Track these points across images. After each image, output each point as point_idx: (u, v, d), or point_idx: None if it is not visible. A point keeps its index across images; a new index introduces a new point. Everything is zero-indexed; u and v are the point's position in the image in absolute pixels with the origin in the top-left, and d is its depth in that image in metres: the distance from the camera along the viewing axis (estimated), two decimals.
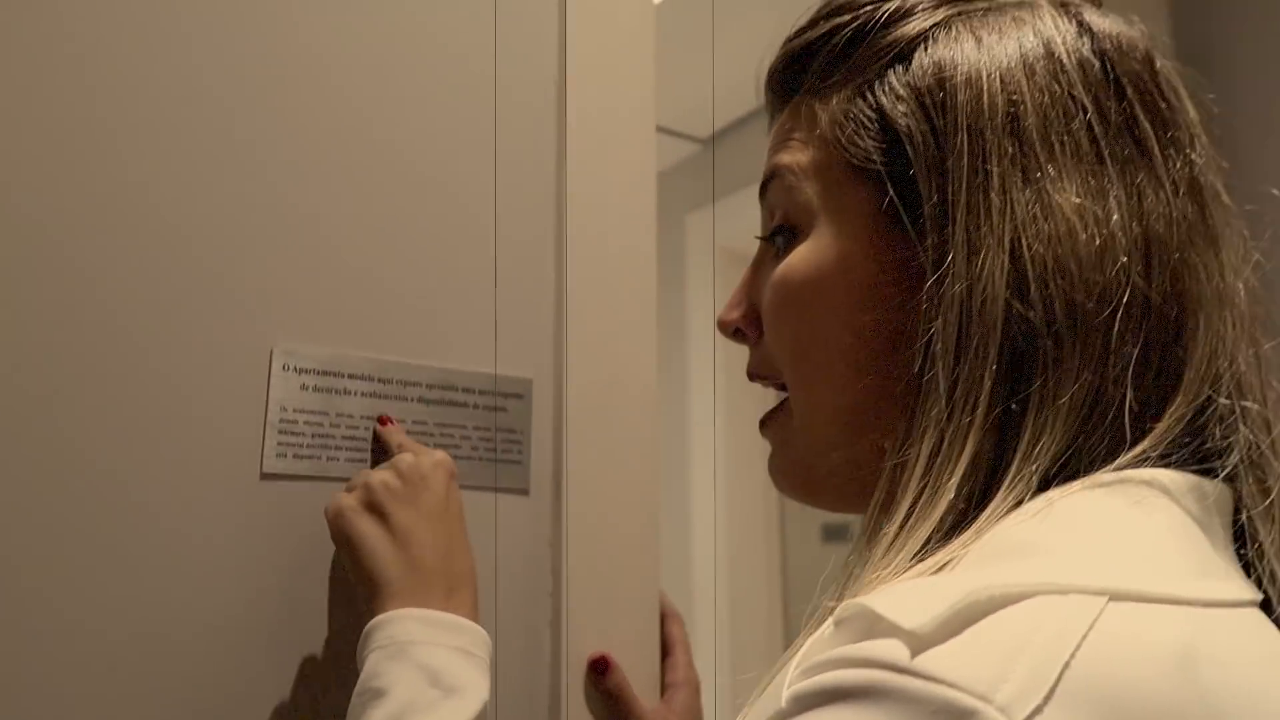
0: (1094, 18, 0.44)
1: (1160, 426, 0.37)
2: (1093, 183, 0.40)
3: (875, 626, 0.29)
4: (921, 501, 0.36)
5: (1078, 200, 0.39)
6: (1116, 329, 0.37)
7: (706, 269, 1.86)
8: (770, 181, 0.48)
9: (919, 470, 0.37)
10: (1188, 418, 0.38)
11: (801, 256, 0.45)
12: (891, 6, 0.46)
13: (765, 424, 0.50)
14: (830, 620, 0.32)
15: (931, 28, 0.44)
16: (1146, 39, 0.44)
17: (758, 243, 0.51)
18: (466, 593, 0.56)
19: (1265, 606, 0.35)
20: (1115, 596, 0.29)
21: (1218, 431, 0.38)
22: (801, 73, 0.48)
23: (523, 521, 0.70)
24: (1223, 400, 0.38)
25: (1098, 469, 0.36)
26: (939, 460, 0.37)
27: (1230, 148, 0.45)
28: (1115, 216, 0.39)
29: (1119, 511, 0.34)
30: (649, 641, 0.71)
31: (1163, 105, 0.42)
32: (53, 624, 0.53)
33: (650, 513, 0.74)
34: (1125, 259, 0.38)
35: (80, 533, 0.54)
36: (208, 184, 0.61)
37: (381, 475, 0.57)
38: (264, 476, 0.60)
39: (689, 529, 1.91)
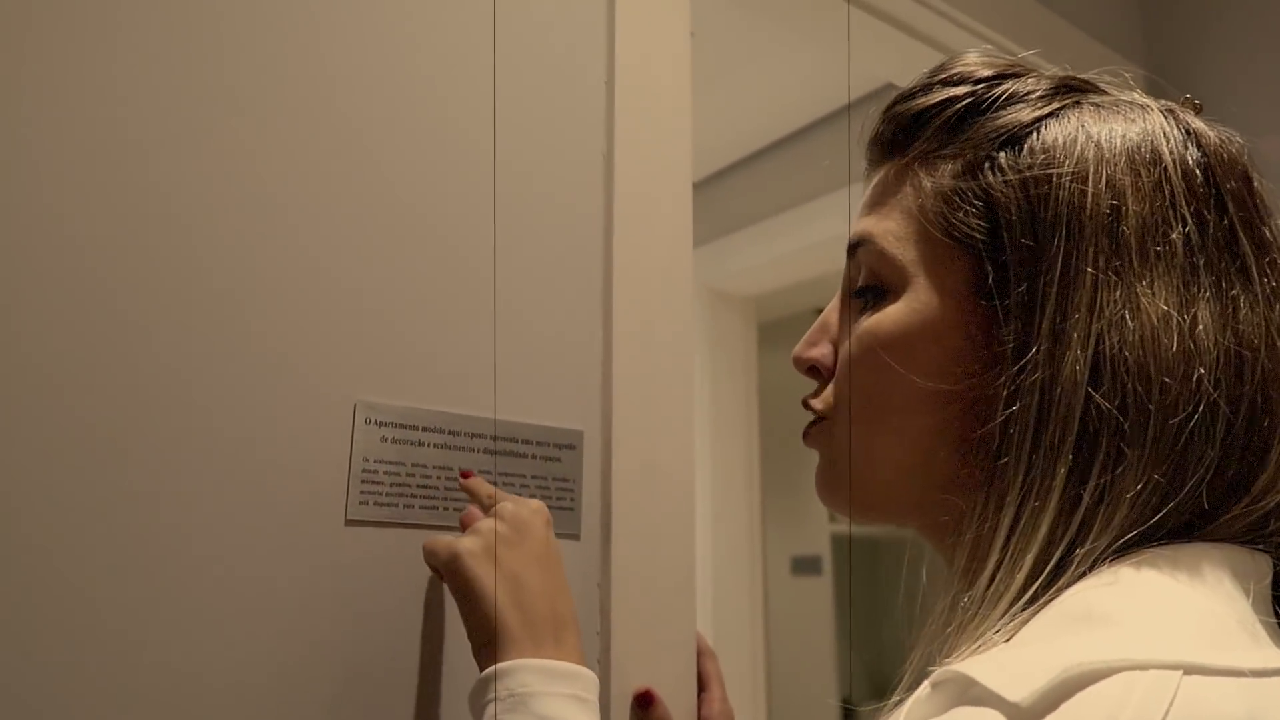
0: (1200, 126, 0.45)
1: (1223, 522, 0.39)
2: (1184, 293, 0.40)
3: (969, 691, 0.33)
4: (1000, 576, 0.39)
5: (1166, 308, 0.39)
6: (1191, 435, 0.38)
7: (697, 309, 1.92)
8: (864, 244, 0.50)
9: (998, 546, 0.40)
10: (1254, 516, 0.39)
11: (893, 316, 0.47)
12: (1006, 89, 0.47)
13: (809, 436, 0.53)
14: (927, 683, 0.36)
15: (1045, 116, 0.45)
16: (1245, 153, 0.45)
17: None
18: (572, 635, 0.57)
19: None
20: (1188, 670, 0.31)
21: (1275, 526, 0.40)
22: (910, 136, 0.50)
23: (573, 564, 0.75)
24: None
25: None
26: (1015, 539, 0.40)
27: None
28: (1202, 327, 0.39)
29: (1180, 584, 0.36)
30: (688, 676, 0.77)
31: (1260, 225, 0.43)
32: (144, 666, 0.56)
33: (687, 556, 0.80)
34: (1208, 369, 0.39)
35: (181, 577, 0.58)
36: (304, 260, 0.66)
37: (490, 523, 0.59)
38: (348, 523, 0.65)
39: None
